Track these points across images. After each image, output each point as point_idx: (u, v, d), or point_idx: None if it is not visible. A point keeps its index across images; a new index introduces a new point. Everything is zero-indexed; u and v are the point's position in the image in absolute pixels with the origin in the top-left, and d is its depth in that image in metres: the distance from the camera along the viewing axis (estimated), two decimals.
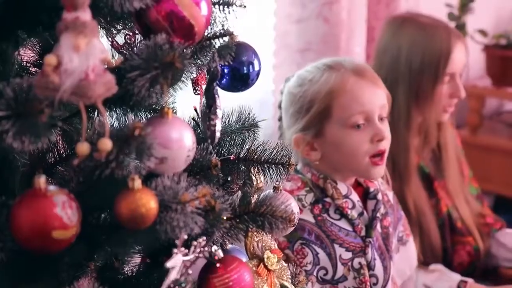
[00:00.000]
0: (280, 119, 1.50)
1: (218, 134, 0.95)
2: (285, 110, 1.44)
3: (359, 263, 1.38)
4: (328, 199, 1.39)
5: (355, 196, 1.41)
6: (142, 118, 0.98)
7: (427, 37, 1.76)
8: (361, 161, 1.36)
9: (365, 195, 1.45)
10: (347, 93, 1.35)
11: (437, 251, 1.80)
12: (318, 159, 1.39)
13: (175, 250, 0.85)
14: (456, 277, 1.70)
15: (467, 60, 1.85)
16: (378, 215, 1.42)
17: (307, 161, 1.42)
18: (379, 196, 1.44)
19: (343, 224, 1.39)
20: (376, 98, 1.37)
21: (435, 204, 1.84)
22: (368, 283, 1.38)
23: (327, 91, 1.35)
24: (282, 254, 1.21)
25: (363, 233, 1.40)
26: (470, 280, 1.69)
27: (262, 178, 1.02)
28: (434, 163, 1.88)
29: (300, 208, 1.35)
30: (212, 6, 0.92)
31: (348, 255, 1.38)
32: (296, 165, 1.43)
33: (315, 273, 1.35)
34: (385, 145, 1.37)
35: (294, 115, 1.40)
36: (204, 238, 0.88)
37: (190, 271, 0.88)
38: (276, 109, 2.07)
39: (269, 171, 1.02)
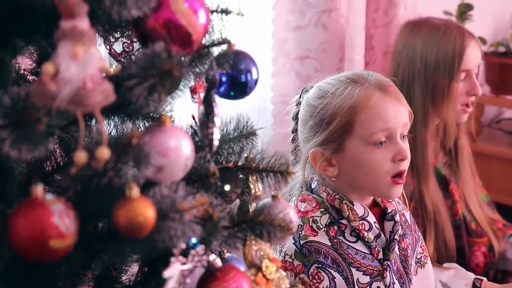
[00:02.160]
0: (294, 131, 1.46)
1: (216, 142, 0.95)
2: (304, 122, 1.38)
3: (378, 287, 1.33)
4: (344, 221, 1.34)
5: (372, 218, 1.36)
6: (140, 127, 0.98)
7: (441, 35, 1.80)
8: (381, 180, 1.31)
9: (382, 216, 1.40)
10: (371, 109, 1.30)
11: (451, 251, 1.81)
12: (335, 175, 1.34)
13: (173, 259, 0.85)
14: (472, 275, 1.72)
15: (481, 59, 1.87)
16: (396, 237, 1.37)
17: (323, 178, 1.38)
18: (397, 217, 1.39)
19: (359, 246, 1.34)
20: (400, 115, 1.32)
21: (451, 206, 1.86)
22: None
23: (350, 106, 1.30)
24: (281, 264, 1.20)
25: (380, 256, 1.35)
26: (484, 279, 1.70)
27: (260, 186, 1.02)
28: (449, 167, 1.91)
29: (315, 230, 1.33)
30: (210, 14, 0.92)
31: (366, 279, 1.32)
32: (311, 184, 1.39)
33: None
34: (406, 165, 1.32)
35: (313, 128, 1.35)
36: (202, 247, 0.88)
37: (188, 280, 0.87)
38: (274, 116, 2.09)
39: (267, 180, 1.01)
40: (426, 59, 1.80)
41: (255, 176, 1.01)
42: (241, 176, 1.02)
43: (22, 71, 0.95)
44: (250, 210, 1.00)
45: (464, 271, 1.75)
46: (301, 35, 2.07)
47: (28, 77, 0.96)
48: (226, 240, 0.94)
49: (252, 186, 1.01)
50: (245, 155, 1.03)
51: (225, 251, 1.00)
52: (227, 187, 1.00)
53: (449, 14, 2.50)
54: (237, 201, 1.02)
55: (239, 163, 1.02)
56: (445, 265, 1.78)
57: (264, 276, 1.01)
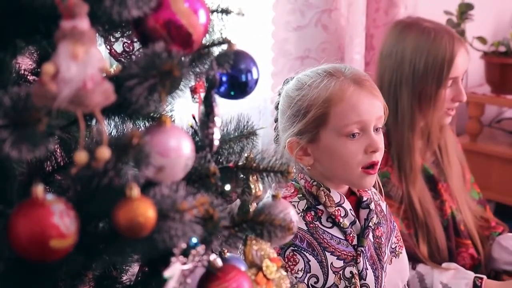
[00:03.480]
0: (276, 120, 1.50)
1: (216, 142, 0.95)
2: (282, 112, 1.44)
3: (351, 272, 1.38)
4: (320, 207, 1.39)
5: (347, 205, 1.41)
6: (140, 127, 0.98)
7: (431, 42, 1.79)
8: (353, 171, 1.36)
9: (358, 204, 1.45)
10: (345, 102, 1.34)
11: (443, 252, 1.82)
12: (310, 164, 1.39)
13: (173, 259, 0.85)
14: (471, 274, 1.72)
15: (468, 64, 1.86)
16: (370, 224, 1.42)
17: (301, 167, 1.42)
18: (372, 206, 1.44)
19: (335, 232, 1.39)
20: (374, 109, 1.36)
21: (440, 206, 1.86)
22: None
23: (325, 98, 1.35)
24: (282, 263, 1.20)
25: (355, 242, 1.40)
26: (484, 277, 1.71)
27: (261, 186, 1.02)
28: (436, 166, 1.91)
29: None
30: (211, 14, 0.92)
31: (340, 263, 1.37)
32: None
33: (306, 281, 1.35)
34: (378, 156, 1.36)
35: (291, 118, 1.40)
36: (203, 246, 0.88)
37: (188, 280, 0.87)
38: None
39: (268, 179, 1.01)
40: (414, 65, 1.79)
41: (255, 176, 1.01)
42: (242, 176, 1.02)
43: (22, 71, 0.95)
44: (251, 210, 1.00)
45: (463, 270, 1.75)
46: (301, 35, 2.07)
47: (28, 77, 0.96)
48: (227, 240, 0.94)
49: (252, 186, 1.01)
50: (246, 155, 1.03)
51: (226, 251, 1.00)
52: (227, 187, 1.00)
53: (450, 14, 2.50)
54: (238, 201, 1.02)
55: (240, 163, 1.02)
56: (444, 265, 1.78)
57: (264, 275, 1.01)
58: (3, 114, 0.71)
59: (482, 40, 2.62)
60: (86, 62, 0.70)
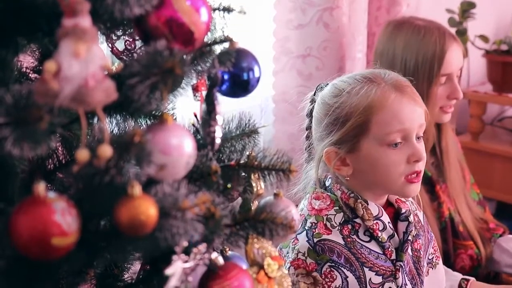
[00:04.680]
0: (308, 128, 1.45)
1: (218, 141, 0.95)
2: (318, 120, 1.37)
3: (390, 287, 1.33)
4: (358, 220, 1.34)
5: (386, 218, 1.35)
6: (142, 125, 0.98)
7: (421, 38, 1.78)
8: (395, 181, 1.31)
9: (396, 216, 1.39)
10: (388, 109, 1.29)
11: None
12: (349, 175, 1.34)
13: (175, 257, 0.85)
14: (458, 275, 1.71)
15: (464, 61, 1.86)
16: (409, 237, 1.37)
17: (337, 177, 1.37)
18: (411, 218, 1.39)
19: (373, 246, 1.34)
20: (416, 116, 1.31)
21: (437, 208, 1.85)
22: None
23: (366, 105, 1.29)
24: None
25: (393, 256, 1.35)
26: (472, 279, 1.69)
27: (262, 184, 1.02)
28: (436, 168, 1.90)
29: (329, 229, 1.32)
30: (212, 12, 0.92)
31: (378, 279, 1.32)
32: (325, 181, 1.38)
33: None
34: (421, 166, 1.32)
35: (328, 127, 1.34)
36: (204, 245, 0.88)
37: (190, 278, 0.87)
38: (276, 115, 2.09)
39: (269, 178, 1.01)
40: (405, 63, 1.78)
41: (257, 174, 1.01)
42: (243, 174, 1.01)
43: (24, 69, 0.95)
44: (252, 208, 1.00)
45: (450, 272, 1.72)
46: (302, 33, 2.07)
47: (30, 75, 0.96)
48: (228, 238, 0.94)
49: (254, 184, 1.01)
50: (247, 153, 1.02)
51: (227, 249, 1.00)
52: (229, 185, 1.00)
53: (452, 12, 2.50)
54: (239, 199, 1.02)
55: (241, 161, 1.02)
56: None
57: (266, 274, 1.01)
58: (5, 112, 0.71)
59: (484, 38, 2.62)
60: (88, 60, 0.70)
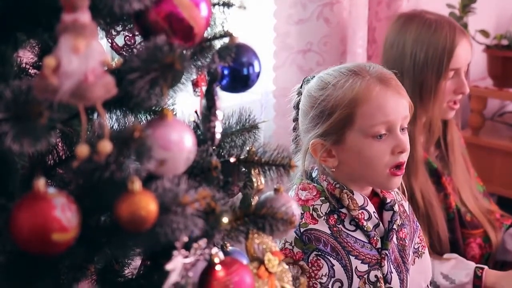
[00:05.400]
0: (295, 120, 1.47)
1: (218, 136, 0.95)
2: (304, 113, 1.39)
3: (375, 276, 1.35)
4: (343, 210, 1.36)
5: (371, 207, 1.38)
6: (142, 120, 0.98)
7: (432, 32, 1.79)
8: (380, 172, 1.33)
9: (381, 206, 1.42)
10: (372, 102, 1.31)
11: (445, 244, 1.82)
12: (335, 166, 1.36)
13: (175, 253, 0.85)
14: (472, 264, 1.72)
15: (472, 56, 1.86)
16: (394, 226, 1.39)
17: (323, 168, 1.39)
18: (396, 208, 1.41)
19: (358, 235, 1.36)
20: (400, 108, 1.33)
21: (444, 199, 1.87)
22: None
23: (351, 98, 1.31)
24: (284, 257, 1.19)
25: (379, 245, 1.37)
26: (485, 267, 1.72)
27: (262, 179, 1.02)
28: (441, 160, 1.92)
29: (315, 218, 1.34)
30: (212, 7, 0.92)
31: (364, 267, 1.34)
32: (311, 172, 1.41)
33: (330, 286, 1.32)
34: (405, 157, 1.34)
35: (314, 120, 1.36)
36: (205, 240, 0.88)
37: (190, 274, 0.88)
38: (276, 110, 2.09)
39: (269, 173, 1.01)
40: (415, 56, 1.79)
41: (257, 170, 1.01)
42: (243, 169, 1.01)
43: (23, 65, 0.95)
44: (253, 203, 1.00)
45: (464, 261, 1.76)
46: (303, 28, 2.06)
47: (29, 70, 0.96)
48: (229, 234, 0.94)
49: (254, 180, 1.01)
50: (247, 148, 1.02)
51: (228, 244, 1.00)
52: (229, 181, 0.99)
53: (452, 7, 2.50)
54: (240, 195, 1.02)
55: (241, 157, 1.02)
56: (445, 256, 1.79)
57: (266, 269, 1.01)
58: (5, 108, 0.71)
59: (484, 33, 2.62)
60: (88, 55, 0.70)
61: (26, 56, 0.95)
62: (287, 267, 1.05)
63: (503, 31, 2.74)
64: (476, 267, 1.72)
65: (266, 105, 2.15)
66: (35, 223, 0.73)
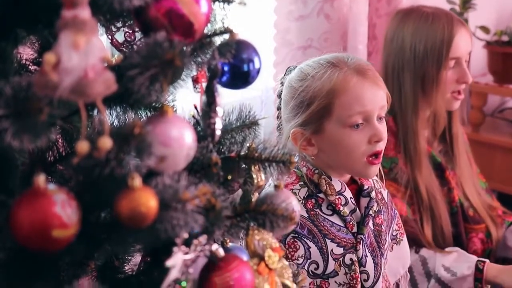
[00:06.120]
0: (278, 108, 1.50)
1: (218, 132, 0.95)
2: (285, 102, 1.44)
3: (350, 259, 1.39)
4: (321, 195, 1.40)
5: (348, 193, 1.42)
6: (142, 116, 0.98)
7: (430, 24, 1.81)
8: (357, 161, 1.37)
9: (359, 192, 1.46)
10: (349, 93, 1.35)
11: (448, 238, 1.83)
12: (314, 154, 1.40)
13: (175, 249, 0.85)
14: (474, 257, 1.73)
15: (472, 46, 1.87)
16: (370, 212, 1.43)
17: (304, 155, 1.43)
18: (373, 194, 1.45)
19: (335, 219, 1.40)
20: (377, 99, 1.37)
21: (448, 193, 1.88)
22: (359, 279, 1.39)
23: (329, 89, 1.35)
24: (283, 253, 1.20)
25: (354, 229, 1.41)
26: (487, 260, 1.73)
27: (263, 176, 1.02)
28: (445, 155, 1.92)
29: None
30: (212, 3, 0.92)
31: (340, 250, 1.39)
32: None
33: (306, 267, 1.36)
34: (382, 145, 1.38)
35: (294, 109, 1.40)
36: (205, 236, 0.88)
37: (190, 270, 0.88)
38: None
39: (270, 169, 1.01)
40: (415, 48, 1.81)
41: (257, 166, 1.01)
42: (244, 165, 1.02)
43: (23, 61, 0.95)
44: (253, 199, 1.00)
45: (466, 254, 1.77)
46: (303, 24, 2.06)
47: (29, 67, 0.96)
48: (229, 230, 0.94)
49: (254, 176, 1.01)
50: (248, 144, 1.02)
51: (228, 240, 1.00)
52: (229, 177, 0.99)
53: (452, 3, 2.49)
54: (240, 191, 1.02)
55: (242, 153, 1.02)
56: (447, 249, 1.79)
57: (266, 265, 1.01)
58: (5, 104, 0.71)
59: (484, 29, 2.61)
60: (88, 51, 0.70)
61: (26, 52, 0.95)
62: (287, 263, 1.05)
63: (504, 27, 2.74)
64: (478, 260, 1.73)
65: (266, 102, 2.15)
66: (35, 219, 0.73)
